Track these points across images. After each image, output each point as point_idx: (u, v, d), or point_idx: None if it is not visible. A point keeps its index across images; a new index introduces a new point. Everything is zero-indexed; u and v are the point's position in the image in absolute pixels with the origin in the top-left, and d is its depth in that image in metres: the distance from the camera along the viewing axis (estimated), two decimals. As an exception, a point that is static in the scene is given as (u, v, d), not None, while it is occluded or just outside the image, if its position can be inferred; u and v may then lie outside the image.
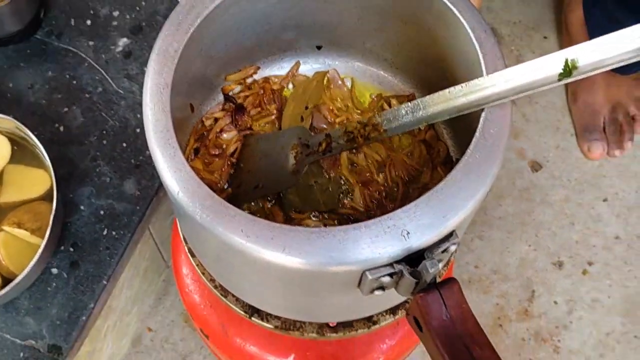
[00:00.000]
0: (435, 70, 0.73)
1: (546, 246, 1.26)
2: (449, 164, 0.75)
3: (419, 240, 0.54)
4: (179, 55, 0.61)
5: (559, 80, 0.55)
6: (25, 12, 1.00)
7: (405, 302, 0.74)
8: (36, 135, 0.87)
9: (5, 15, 0.98)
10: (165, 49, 0.61)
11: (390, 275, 0.54)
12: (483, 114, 0.59)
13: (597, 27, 1.26)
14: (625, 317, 1.22)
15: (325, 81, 0.79)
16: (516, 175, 1.31)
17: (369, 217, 0.71)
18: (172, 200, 0.58)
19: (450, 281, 0.53)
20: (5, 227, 0.87)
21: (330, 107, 0.77)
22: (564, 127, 1.35)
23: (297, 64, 0.79)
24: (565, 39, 1.37)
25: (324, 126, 0.76)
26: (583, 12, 1.28)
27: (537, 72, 0.56)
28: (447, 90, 0.62)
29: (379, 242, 0.53)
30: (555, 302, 1.22)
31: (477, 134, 0.58)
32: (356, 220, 0.72)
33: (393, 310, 0.74)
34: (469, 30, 0.62)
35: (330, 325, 0.74)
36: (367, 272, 0.54)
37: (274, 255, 0.54)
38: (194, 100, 0.73)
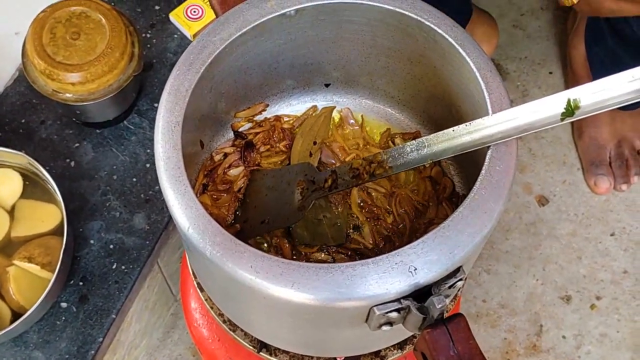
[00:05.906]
0: (441, 107, 0.74)
1: (553, 280, 1.26)
2: (455, 199, 0.76)
3: (426, 276, 0.54)
4: (190, 94, 0.63)
5: (562, 119, 0.56)
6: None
7: (413, 336, 0.74)
8: (47, 171, 0.89)
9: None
10: (177, 88, 0.63)
11: (398, 310, 0.55)
12: (489, 152, 0.59)
13: (598, 64, 1.28)
14: (634, 352, 1.21)
15: (338, 120, 0.80)
16: (523, 209, 1.31)
17: (378, 252, 0.72)
18: (183, 236, 0.59)
19: (457, 317, 0.54)
20: (16, 262, 0.88)
21: (342, 145, 0.78)
22: (571, 161, 1.36)
23: (314, 108, 0.80)
24: (569, 75, 1.38)
25: (333, 161, 0.77)
26: (585, 49, 1.30)
27: (540, 112, 0.57)
28: (451, 129, 0.63)
29: (386, 278, 0.54)
30: (564, 337, 1.22)
31: (483, 171, 0.58)
32: (365, 254, 0.72)
33: (401, 345, 0.74)
34: (475, 70, 0.63)
35: (338, 360, 0.75)
36: (374, 308, 0.54)
37: (282, 291, 0.54)
38: (203, 136, 0.75)
